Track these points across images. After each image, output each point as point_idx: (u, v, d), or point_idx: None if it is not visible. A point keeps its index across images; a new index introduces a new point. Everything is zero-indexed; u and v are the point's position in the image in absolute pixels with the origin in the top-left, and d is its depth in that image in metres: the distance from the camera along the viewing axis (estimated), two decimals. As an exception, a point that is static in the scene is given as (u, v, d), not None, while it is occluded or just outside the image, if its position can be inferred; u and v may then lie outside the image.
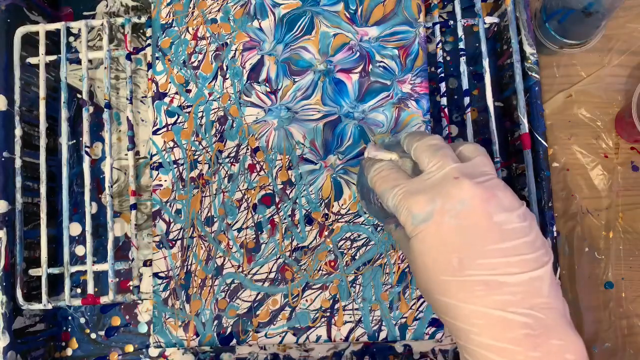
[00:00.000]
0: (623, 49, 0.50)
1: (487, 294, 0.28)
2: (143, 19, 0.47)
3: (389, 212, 0.34)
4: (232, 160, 0.43)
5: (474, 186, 0.30)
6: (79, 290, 0.48)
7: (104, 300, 0.44)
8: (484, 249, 0.29)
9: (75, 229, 0.49)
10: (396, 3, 0.44)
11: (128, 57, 0.47)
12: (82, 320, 0.48)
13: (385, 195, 0.33)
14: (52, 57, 0.47)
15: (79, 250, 0.49)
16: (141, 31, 0.51)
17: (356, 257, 0.42)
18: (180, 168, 0.43)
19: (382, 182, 0.33)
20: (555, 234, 0.42)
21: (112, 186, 0.45)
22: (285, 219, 0.43)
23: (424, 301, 0.41)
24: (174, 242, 0.43)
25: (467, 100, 0.44)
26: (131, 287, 0.45)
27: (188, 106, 0.44)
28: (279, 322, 0.42)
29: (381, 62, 0.44)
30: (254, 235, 0.43)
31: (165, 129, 0.44)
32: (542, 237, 0.31)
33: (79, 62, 0.50)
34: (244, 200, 0.43)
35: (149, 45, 0.46)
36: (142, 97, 0.50)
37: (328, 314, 0.42)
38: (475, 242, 0.29)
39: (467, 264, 0.29)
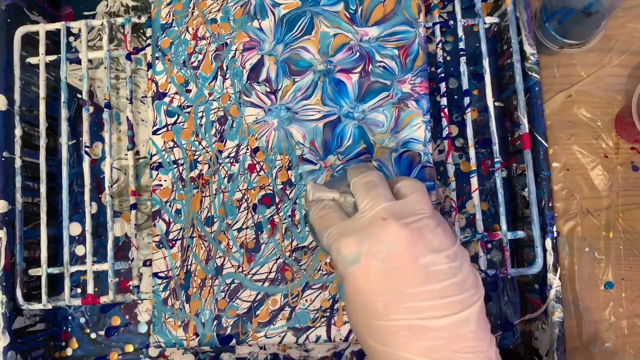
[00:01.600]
0: (623, 49, 0.50)
1: (412, 339, 0.28)
2: (143, 19, 0.47)
3: None
4: (232, 160, 0.43)
5: (400, 228, 0.29)
6: (79, 290, 0.48)
7: (104, 300, 0.44)
8: (409, 292, 0.28)
9: (75, 229, 0.49)
10: (396, 3, 0.44)
11: (128, 57, 0.47)
12: (82, 320, 0.48)
13: (321, 235, 0.33)
14: (52, 57, 0.47)
15: (79, 250, 0.49)
16: (141, 31, 0.51)
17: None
18: (180, 168, 0.44)
19: (320, 222, 0.34)
20: (555, 234, 0.42)
21: (112, 186, 0.45)
22: (285, 219, 0.43)
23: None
24: (173, 242, 0.43)
25: (467, 100, 0.44)
26: (131, 287, 0.45)
27: (188, 106, 0.44)
28: (279, 322, 0.42)
29: (381, 62, 0.44)
30: (254, 235, 0.43)
31: (165, 129, 0.44)
32: (474, 275, 0.31)
33: (79, 62, 0.50)
34: (243, 200, 0.43)
35: (149, 45, 0.46)
36: (142, 97, 0.50)
37: (328, 314, 0.42)
38: (401, 286, 0.29)
39: (392, 308, 0.28)
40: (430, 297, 0.28)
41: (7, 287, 0.43)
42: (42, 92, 0.46)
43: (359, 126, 0.43)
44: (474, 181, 0.43)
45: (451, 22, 0.46)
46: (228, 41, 0.45)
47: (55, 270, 0.45)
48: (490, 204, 0.48)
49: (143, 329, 0.48)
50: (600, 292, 0.48)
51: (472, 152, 0.44)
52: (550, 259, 0.42)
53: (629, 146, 0.49)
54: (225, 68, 0.44)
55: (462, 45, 0.45)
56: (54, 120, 0.49)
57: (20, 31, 0.46)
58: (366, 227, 0.31)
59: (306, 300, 0.42)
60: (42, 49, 0.46)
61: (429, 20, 0.46)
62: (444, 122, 0.44)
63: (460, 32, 0.45)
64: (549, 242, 0.42)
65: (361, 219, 0.31)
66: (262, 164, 0.43)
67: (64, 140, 0.46)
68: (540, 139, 0.43)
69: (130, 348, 0.48)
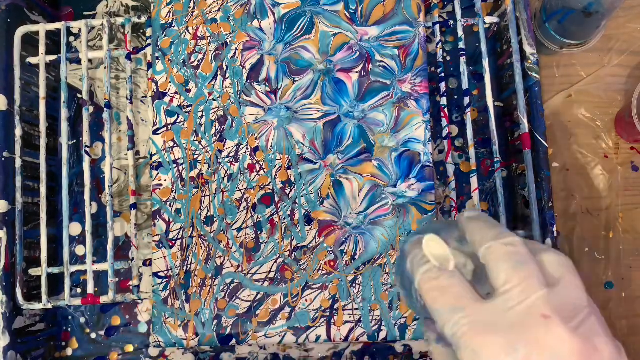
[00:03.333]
0: (623, 49, 0.50)
1: None
2: (143, 19, 0.47)
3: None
4: (231, 160, 0.43)
5: (570, 335, 0.22)
6: (79, 290, 0.48)
7: (103, 300, 0.44)
8: None
9: (75, 228, 0.49)
10: (396, 3, 0.44)
11: (128, 57, 0.47)
12: (82, 320, 0.48)
13: (441, 317, 0.25)
14: (52, 57, 0.47)
15: (79, 250, 0.49)
16: (141, 31, 0.51)
17: (356, 257, 0.42)
18: (180, 168, 0.44)
19: (437, 297, 0.25)
20: (555, 234, 0.42)
21: (112, 186, 0.45)
22: (284, 218, 0.43)
23: (423, 301, 0.41)
24: (173, 242, 0.43)
25: (467, 100, 0.44)
26: (131, 287, 0.45)
27: (188, 106, 0.44)
28: (279, 322, 0.42)
29: (381, 61, 0.44)
30: (254, 235, 0.43)
31: (165, 129, 0.44)
32: None
33: (79, 62, 0.50)
34: (243, 200, 0.43)
35: (149, 45, 0.46)
36: (142, 97, 0.50)
37: (328, 313, 0.42)
38: None
39: None
40: None
41: (7, 287, 0.43)
42: (42, 92, 0.46)
43: (359, 125, 0.43)
44: (474, 181, 0.43)
45: (451, 22, 0.46)
46: (228, 41, 0.45)
47: (55, 270, 0.45)
48: (490, 204, 0.48)
49: (143, 329, 0.48)
50: (600, 292, 0.48)
51: (472, 152, 0.44)
52: (550, 259, 0.42)
53: (629, 146, 0.49)
54: (225, 68, 0.44)
55: (462, 45, 0.45)
56: (54, 120, 0.49)
57: (20, 31, 0.46)
58: (518, 323, 0.23)
59: (306, 300, 0.42)
60: (42, 49, 0.46)
61: (429, 20, 0.46)
62: (444, 122, 0.44)
63: (460, 32, 0.45)
64: (549, 242, 0.42)
65: (508, 308, 0.23)
66: (261, 163, 0.43)
67: (64, 140, 0.46)
68: (540, 139, 0.43)
69: (130, 348, 0.48)
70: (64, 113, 0.46)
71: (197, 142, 0.44)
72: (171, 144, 0.44)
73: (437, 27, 0.46)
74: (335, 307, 0.42)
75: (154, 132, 0.44)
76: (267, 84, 0.44)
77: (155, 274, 0.42)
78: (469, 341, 0.23)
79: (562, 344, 0.22)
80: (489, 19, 0.46)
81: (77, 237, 0.49)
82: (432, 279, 0.25)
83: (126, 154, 0.49)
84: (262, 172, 0.43)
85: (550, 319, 0.22)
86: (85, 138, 0.45)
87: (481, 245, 0.25)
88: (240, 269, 0.42)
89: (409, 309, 0.39)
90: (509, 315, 0.23)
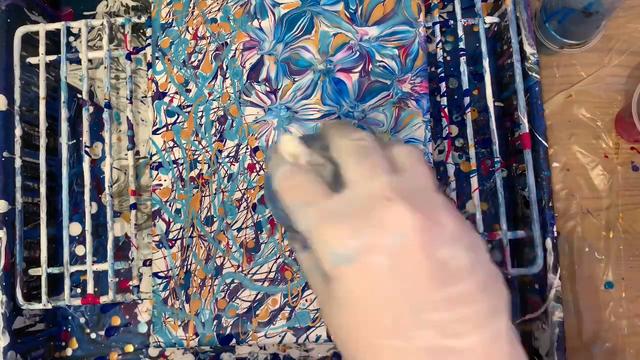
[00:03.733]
0: (623, 49, 0.50)
1: None
2: (143, 19, 0.47)
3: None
4: (231, 160, 0.43)
5: (411, 212, 0.22)
6: (78, 290, 0.48)
7: (103, 300, 0.44)
8: (428, 299, 0.22)
9: (75, 228, 0.49)
10: (396, 3, 0.44)
11: (128, 57, 0.47)
12: (82, 320, 0.48)
13: (295, 213, 0.25)
14: (52, 57, 0.47)
15: (79, 250, 0.49)
16: (141, 31, 0.51)
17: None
18: (180, 168, 0.43)
19: (292, 194, 0.25)
20: (555, 234, 0.42)
21: (112, 186, 0.45)
22: (285, 218, 0.43)
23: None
24: (173, 242, 0.43)
25: (467, 100, 0.44)
26: (131, 287, 0.45)
27: (188, 106, 0.44)
28: (279, 322, 0.42)
29: (381, 61, 0.44)
30: (254, 235, 0.43)
31: (165, 129, 0.44)
32: (494, 270, 0.24)
33: (79, 62, 0.50)
34: (243, 200, 0.43)
35: (149, 45, 0.46)
36: (142, 97, 0.50)
37: (328, 313, 0.42)
38: (416, 291, 0.22)
39: (406, 324, 0.21)
40: (452, 303, 0.21)
41: (7, 287, 0.43)
42: (42, 92, 0.46)
43: (359, 125, 0.43)
44: (474, 181, 0.43)
45: (451, 22, 0.46)
46: (228, 41, 0.45)
47: (55, 270, 0.45)
48: (490, 204, 0.48)
49: (143, 329, 0.48)
50: (600, 292, 0.48)
51: (472, 152, 0.44)
52: (550, 259, 0.42)
53: (629, 146, 0.49)
54: (225, 68, 0.44)
55: (462, 45, 0.45)
56: (54, 120, 0.49)
57: (20, 31, 0.46)
58: (363, 209, 0.23)
59: (306, 300, 0.42)
60: (42, 49, 0.46)
61: (429, 20, 0.46)
62: (444, 122, 0.44)
63: (460, 32, 0.45)
64: (549, 242, 0.42)
65: (354, 198, 0.24)
66: (262, 163, 0.43)
67: (64, 140, 0.46)
68: (540, 139, 0.43)
69: (130, 348, 0.48)
70: (64, 113, 0.46)
71: (197, 142, 0.44)
72: (171, 144, 0.44)
73: (437, 27, 0.46)
74: (335, 307, 0.42)
75: (154, 132, 0.44)
76: (267, 84, 0.44)
77: (155, 274, 0.42)
78: (318, 233, 0.23)
79: (403, 221, 0.22)
80: (489, 19, 0.46)
81: (77, 237, 0.49)
82: (287, 178, 0.26)
83: (126, 154, 0.49)
84: (262, 172, 0.43)
85: (392, 200, 0.22)
86: (85, 138, 0.45)
87: (333, 145, 0.26)
88: (240, 269, 0.42)
89: (277, 222, 0.37)
90: (355, 202, 0.23)
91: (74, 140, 0.50)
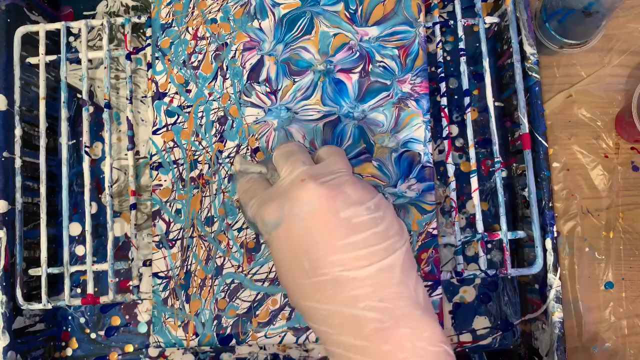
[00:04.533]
0: (623, 49, 0.50)
1: (338, 291, 0.29)
2: (143, 19, 0.47)
3: None
4: (232, 160, 0.43)
5: (318, 186, 0.30)
6: (78, 290, 0.48)
7: (103, 300, 0.44)
8: (333, 246, 0.29)
9: (75, 229, 0.49)
10: (396, 3, 0.44)
11: (128, 57, 0.47)
12: (82, 320, 0.48)
13: (246, 208, 0.34)
14: (52, 57, 0.47)
15: (79, 250, 0.49)
16: (141, 31, 0.51)
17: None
18: (180, 168, 0.43)
19: (244, 196, 0.35)
20: (555, 234, 0.42)
21: (112, 186, 0.45)
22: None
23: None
24: (173, 242, 0.43)
25: (467, 100, 0.44)
26: (131, 287, 0.45)
27: (188, 106, 0.44)
28: (279, 322, 0.42)
29: (381, 62, 0.44)
30: (254, 235, 0.42)
31: (165, 129, 0.44)
32: (399, 224, 0.31)
33: (79, 62, 0.50)
34: (243, 200, 0.43)
35: (149, 45, 0.46)
36: (142, 97, 0.50)
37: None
38: (324, 241, 0.29)
39: (317, 264, 0.29)
40: (353, 248, 0.29)
41: (7, 287, 0.43)
42: (42, 92, 0.46)
43: (359, 126, 0.43)
44: (474, 181, 0.43)
45: (451, 22, 0.46)
46: (228, 41, 0.45)
47: (55, 270, 0.45)
48: (490, 204, 0.48)
49: (143, 329, 0.48)
50: (600, 292, 0.48)
51: (472, 152, 0.44)
52: (550, 259, 0.42)
53: (629, 146, 0.49)
54: (225, 68, 0.44)
55: (462, 45, 0.45)
56: (54, 120, 0.49)
57: (20, 31, 0.46)
58: (286, 191, 0.31)
59: (306, 300, 0.42)
60: (42, 49, 0.46)
61: (429, 20, 0.46)
62: (444, 122, 0.44)
63: (460, 32, 0.45)
64: (549, 242, 0.42)
65: (281, 185, 0.32)
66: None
67: (64, 140, 0.46)
68: (540, 139, 0.43)
69: (130, 348, 0.48)
70: (64, 113, 0.46)
71: (197, 143, 0.44)
72: (171, 144, 0.44)
73: (437, 27, 0.46)
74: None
75: (154, 132, 0.44)
76: (267, 84, 0.44)
77: (155, 274, 0.42)
78: (257, 214, 0.32)
79: (311, 193, 0.30)
80: (489, 19, 0.46)
81: (77, 237, 0.49)
82: (241, 186, 0.36)
83: (126, 154, 0.49)
84: (262, 172, 0.43)
85: (305, 181, 0.31)
86: (85, 138, 0.45)
87: (273, 157, 0.35)
88: (240, 269, 0.42)
89: (249, 227, 0.42)
90: (281, 188, 0.32)
91: (74, 140, 0.50)
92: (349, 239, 0.29)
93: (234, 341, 0.42)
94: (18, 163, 0.45)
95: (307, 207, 0.30)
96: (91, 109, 0.49)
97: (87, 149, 0.45)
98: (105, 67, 0.46)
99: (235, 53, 0.44)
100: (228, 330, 0.42)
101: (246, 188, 0.35)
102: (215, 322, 0.42)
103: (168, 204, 0.43)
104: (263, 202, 0.32)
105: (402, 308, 0.28)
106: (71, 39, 0.52)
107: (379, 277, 0.29)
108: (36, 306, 0.44)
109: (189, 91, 0.44)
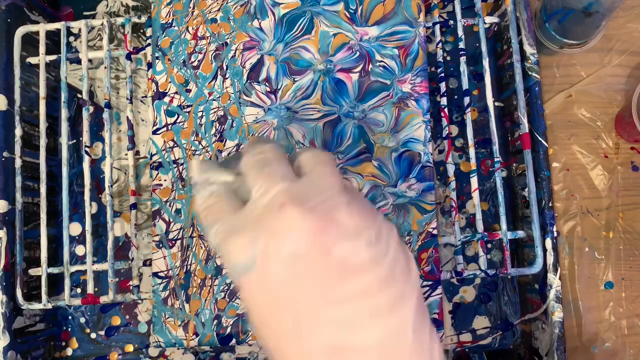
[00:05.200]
0: (623, 49, 0.50)
1: None
2: (143, 19, 0.47)
3: None
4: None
5: (303, 215, 0.22)
6: (78, 290, 0.48)
7: (103, 300, 0.44)
8: (325, 298, 0.22)
9: (75, 228, 0.49)
10: (396, 3, 0.44)
11: (128, 57, 0.47)
12: (82, 320, 0.48)
13: (207, 232, 0.25)
14: (52, 57, 0.47)
15: (79, 250, 0.49)
16: (141, 31, 0.51)
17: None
18: (180, 167, 0.43)
19: (203, 215, 0.26)
20: (555, 234, 0.42)
21: (112, 186, 0.45)
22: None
23: (424, 301, 0.41)
24: (173, 242, 0.43)
25: (467, 100, 0.44)
26: (131, 287, 0.45)
27: (188, 106, 0.44)
28: (279, 322, 0.42)
29: (381, 61, 0.44)
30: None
31: (165, 129, 0.44)
32: (405, 257, 0.24)
33: (79, 62, 0.50)
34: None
35: (149, 45, 0.46)
36: (142, 97, 0.50)
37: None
38: (312, 292, 0.22)
39: (305, 326, 0.22)
40: (351, 300, 0.22)
41: (7, 287, 0.43)
42: (42, 92, 0.46)
43: (359, 125, 0.43)
44: (474, 181, 0.43)
45: (451, 22, 0.46)
46: (228, 41, 0.45)
47: (55, 270, 0.45)
48: (490, 204, 0.48)
49: (143, 329, 0.48)
50: (600, 292, 0.48)
51: (472, 152, 0.44)
52: (550, 259, 0.42)
53: (629, 146, 0.49)
54: (225, 68, 0.44)
55: (462, 45, 0.45)
56: (54, 120, 0.49)
57: (20, 31, 0.46)
58: (260, 218, 0.23)
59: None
60: (42, 49, 0.46)
61: (429, 20, 0.46)
62: (444, 122, 0.44)
63: (460, 32, 0.45)
64: (549, 242, 0.42)
65: (253, 210, 0.24)
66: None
67: (64, 140, 0.46)
68: (540, 139, 0.43)
69: (130, 348, 0.48)
70: (64, 113, 0.46)
71: (197, 142, 0.44)
72: (171, 144, 0.44)
73: (437, 27, 0.46)
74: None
75: (154, 132, 0.44)
76: (267, 84, 0.44)
77: (155, 274, 0.42)
78: (222, 247, 0.24)
79: (296, 224, 0.22)
80: (489, 19, 0.46)
81: (77, 237, 0.49)
82: (201, 202, 0.26)
83: (126, 154, 0.49)
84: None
85: (285, 206, 0.23)
86: (85, 138, 0.45)
87: (242, 161, 0.26)
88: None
89: (211, 247, 0.37)
90: (253, 213, 0.24)
91: (74, 140, 0.50)
92: (345, 288, 0.22)
93: (234, 341, 0.42)
94: (18, 163, 0.45)
95: (291, 243, 0.22)
96: (91, 108, 0.49)
97: (87, 149, 0.45)
98: (105, 67, 0.46)
99: (235, 53, 0.44)
100: (228, 330, 0.42)
101: (208, 205, 0.26)
102: (215, 321, 0.42)
103: (168, 203, 0.43)
104: (230, 232, 0.24)
105: None
106: (71, 39, 0.52)
107: (387, 342, 0.22)
108: (36, 306, 0.44)
109: (189, 91, 0.44)
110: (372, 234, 0.23)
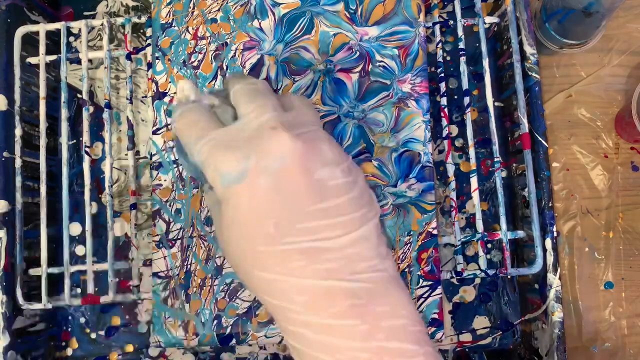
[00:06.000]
0: (623, 49, 0.50)
1: (307, 263, 0.25)
2: (143, 19, 0.47)
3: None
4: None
5: (292, 139, 0.26)
6: (79, 290, 0.48)
7: (103, 300, 0.44)
8: (304, 210, 0.25)
9: (75, 229, 0.49)
10: (396, 3, 0.44)
11: (128, 57, 0.47)
12: (82, 320, 0.48)
13: (191, 147, 0.28)
14: (52, 57, 0.47)
15: (79, 250, 0.49)
16: (141, 31, 0.51)
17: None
18: (180, 167, 0.43)
19: (187, 130, 0.28)
20: (555, 234, 0.42)
21: (112, 186, 0.45)
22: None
23: (423, 301, 0.41)
24: (173, 242, 0.43)
25: (467, 100, 0.44)
26: (131, 287, 0.45)
27: (188, 106, 0.44)
28: (279, 322, 0.42)
29: (381, 61, 0.44)
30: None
31: (165, 129, 0.44)
32: (369, 192, 0.28)
33: (79, 62, 0.50)
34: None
35: (149, 45, 0.46)
36: (142, 97, 0.50)
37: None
38: (294, 204, 0.26)
39: (285, 230, 0.25)
40: (327, 215, 0.26)
41: (7, 287, 0.43)
42: (42, 92, 0.46)
43: (359, 125, 0.43)
44: (474, 181, 0.43)
45: (451, 22, 0.46)
46: (228, 41, 0.45)
47: (55, 270, 0.45)
48: (490, 204, 0.48)
49: (143, 329, 0.48)
50: (600, 292, 0.48)
51: (472, 152, 0.44)
52: (550, 259, 0.42)
53: (629, 146, 0.49)
54: (225, 68, 0.44)
55: (462, 45, 0.45)
56: (54, 120, 0.49)
57: (20, 31, 0.46)
58: (251, 138, 0.27)
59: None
60: (42, 49, 0.46)
61: (429, 20, 0.46)
62: (444, 122, 0.44)
63: (460, 32, 0.45)
64: (549, 242, 0.42)
65: (244, 128, 0.27)
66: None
67: (64, 140, 0.46)
68: (540, 139, 0.43)
69: (130, 348, 0.48)
70: (64, 113, 0.46)
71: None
72: (171, 144, 0.44)
73: (437, 27, 0.46)
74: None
75: (154, 132, 0.44)
76: (267, 84, 0.44)
77: (155, 274, 0.42)
78: (210, 160, 0.27)
79: (285, 146, 0.26)
80: (489, 19, 0.46)
81: (77, 237, 0.49)
82: (182, 117, 0.29)
83: (126, 154, 0.49)
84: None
85: (276, 129, 0.26)
86: (85, 138, 0.45)
87: (231, 90, 0.29)
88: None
89: (188, 174, 0.38)
90: (245, 132, 0.27)
91: (74, 140, 0.50)
92: (322, 204, 0.26)
93: (234, 341, 0.42)
94: (18, 163, 0.45)
95: (279, 162, 0.26)
96: (91, 109, 0.49)
97: (87, 149, 0.45)
98: (105, 67, 0.46)
99: (235, 53, 0.44)
100: (228, 330, 0.42)
101: (189, 121, 0.28)
102: (215, 322, 0.42)
103: (168, 203, 0.43)
104: (219, 146, 0.27)
105: (378, 284, 0.26)
106: (71, 39, 0.52)
107: (353, 249, 0.26)
108: (36, 306, 0.44)
109: (189, 91, 0.44)
110: (346, 167, 0.27)
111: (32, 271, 0.45)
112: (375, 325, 0.25)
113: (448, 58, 0.50)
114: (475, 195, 0.43)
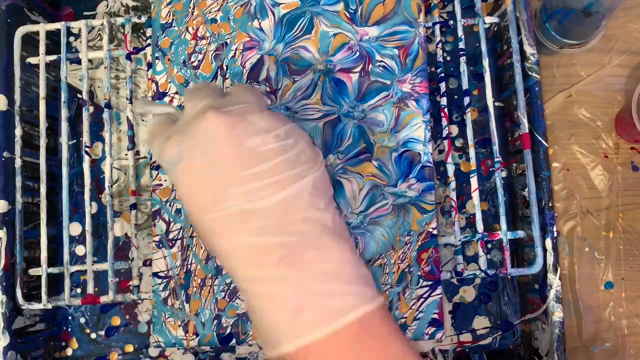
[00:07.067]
0: (623, 49, 0.50)
1: (244, 223, 0.27)
2: (143, 19, 0.47)
3: None
4: None
5: (217, 114, 0.28)
6: (79, 290, 0.48)
7: (103, 300, 0.44)
8: (236, 177, 0.28)
9: (75, 229, 0.49)
10: (396, 3, 0.44)
11: (128, 57, 0.47)
12: (82, 320, 0.48)
13: (151, 151, 0.32)
14: (52, 57, 0.47)
15: (79, 250, 0.49)
16: (141, 31, 0.51)
17: (356, 257, 0.42)
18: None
19: (150, 138, 0.32)
20: (555, 234, 0.42)
21: (112, 186, 0.45)
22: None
23: (424, 301, 0.41)
24: (173, 242, 0.43)
25: (467, 100, 0.44)
26: (131, 287, 0.45)
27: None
28: (279, 322, 0.41)
29: (381, 61, 0.44)
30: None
31: (165, 129, 0.44)
32: (313, 151, 0.30)
33: (79, 62, 0.50)
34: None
35: (149, 45, 0.46)
36: (142, 97, 0.50)
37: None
38: (226, 173, 0.28)
39: (220, 198, 0.28)
40: (258, 178, 0.28)
41: (7, 287, 0.43)
42: (42, 92, 0.46)
43: (359, 125, 0.43)
44: (474, 181, 0.43)
45: (451, 22, 0.46)
46: (228, 41, 0.45)
47: (55, 270, 0.45)
48: (490, 204, 0.48)
49: (143, 329, 0.48)
50: (600, 292, 0.48)
51: (472, 152, 0.44)
52: (550, 259, 0.42)
53: (629, 146, 0.49)
54: (225, 68, 0.44)
55: (462, 45, 0.45)
56: (54, 120, 0.49)
57: (20, 31, 0.46)
58: (187, 125, 0.29)
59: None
60: (42, 49, 0.46)
61: (429, 20, 0.46)
62: (444, 122, 0.44)
63: (460, 32, 0.45)
64: (549, 242, 0.42)
65: (184, 121, 0.30)
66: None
67: (64, 140, 0.46)
68: (540, 139, 0.43)
69: (130, 348, 0.48)
70: (64, 113, 0.46)
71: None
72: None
73: (437, 27, 0.46)
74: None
75: (154, 132, 0.44)
76: (267, 84, 0.44)
77: (155, 274, 0.42)
78: (161, 154, 0.30)
79: (212, 123, 0.28)
80: (489, 19, 0.46)
81: (77, 237, 0.49)
82: (148, 129, 0.33)
83: (126, 154, 0.49)
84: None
85: (206, 112, 0.29)
86: (85, 138, 0.45)
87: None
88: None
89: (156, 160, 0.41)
90: (182, 122, 0.30)
91: (74, 140, 0.50)
92: (254, 169, 0.28)
93: (234, 341, 0.42)
94: (18, 163, 0.45)
95: (206, 136, 0.28)
96: (91, 109, 0.49)
97: (87, 149, 0.45)
98: (105, 67, 0.46)
99: (235, 53, 0.44)
100: (228, 330, 0.42)
101: (151, 129, 0.33)
102: (215, 321, 0.42)
103: (168, 203, 0.43)
104: (164, 140, 0.30)
105: (308, 233, 0.28)
106: (71, 39, 0.52)
107: (284, 205, 0.28)
108: (36, 306, 0.44)
109: (189, 91, 0.44)
110: (281, 132, 0.29)
111: (32, 271, 0.45)
112: (304, 272, 0.27)
113: (448, 58, 0.50)
114: (475, 195, 0.43)
